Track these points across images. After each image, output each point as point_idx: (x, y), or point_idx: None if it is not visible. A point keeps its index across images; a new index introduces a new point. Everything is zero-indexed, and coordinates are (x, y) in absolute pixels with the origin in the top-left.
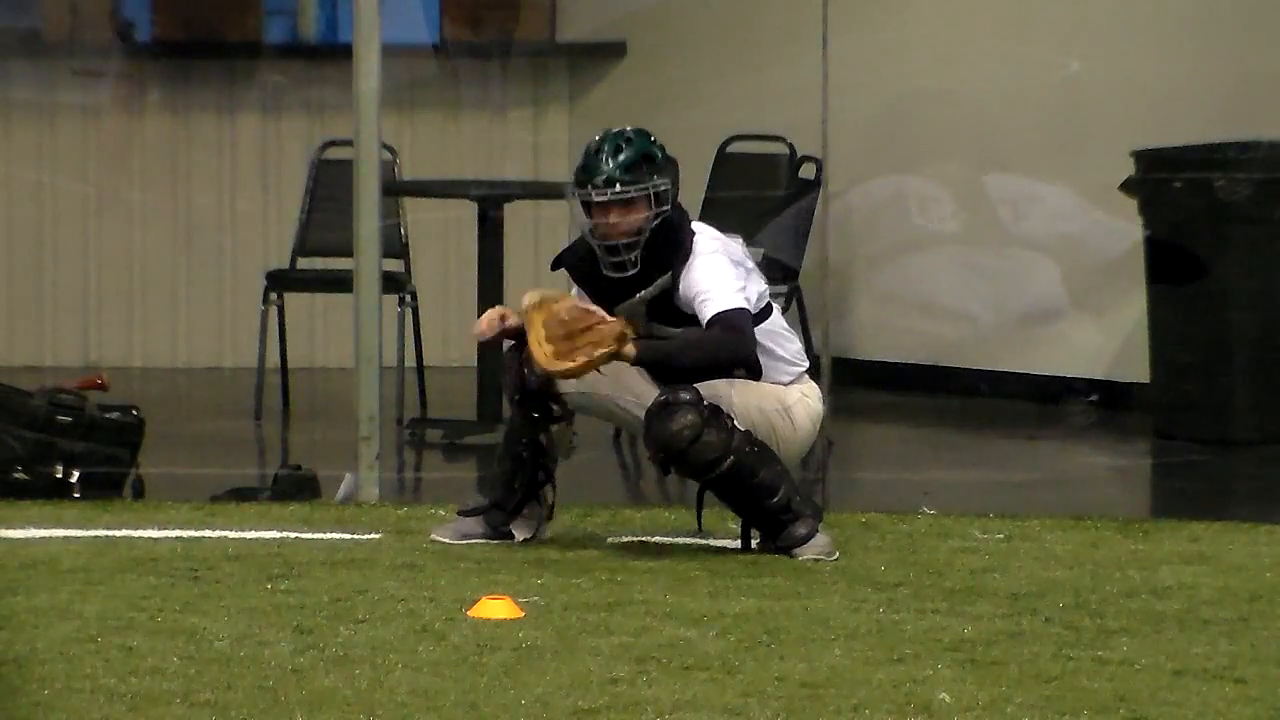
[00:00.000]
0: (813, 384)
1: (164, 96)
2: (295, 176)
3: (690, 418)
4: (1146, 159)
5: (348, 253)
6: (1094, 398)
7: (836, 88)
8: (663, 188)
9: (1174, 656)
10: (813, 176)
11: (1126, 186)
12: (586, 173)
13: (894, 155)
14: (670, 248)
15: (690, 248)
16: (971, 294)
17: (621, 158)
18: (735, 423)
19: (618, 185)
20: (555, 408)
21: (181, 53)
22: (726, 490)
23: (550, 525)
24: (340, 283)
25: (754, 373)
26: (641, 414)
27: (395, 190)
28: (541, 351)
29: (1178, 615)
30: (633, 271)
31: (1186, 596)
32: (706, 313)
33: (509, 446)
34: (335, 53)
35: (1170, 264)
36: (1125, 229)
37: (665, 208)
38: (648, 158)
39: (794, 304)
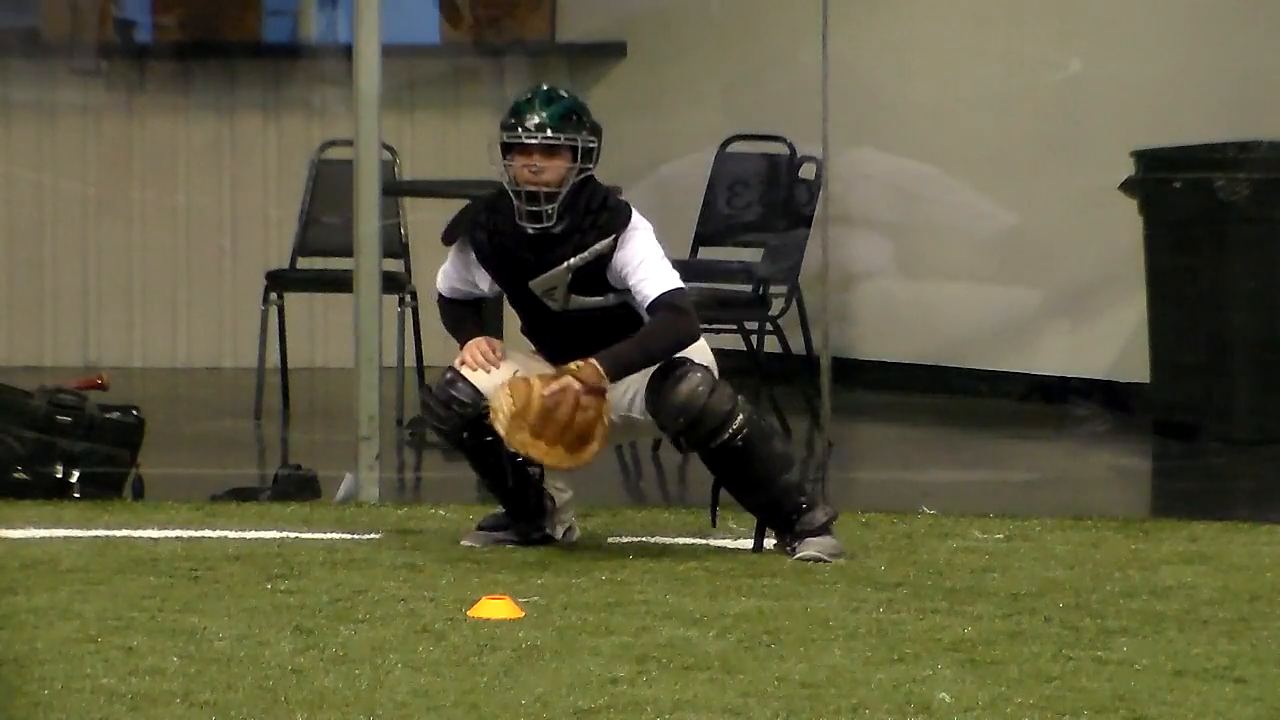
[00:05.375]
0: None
1: (164, 96)
2: (295, 176)
3: (699, 374)
4: (1146, 159)
5: (348, 253)
6: (1098, 399)
7: (836, 88)
8: (590, 144)
9: (1174, 656)
10: (813, 176)
11: (1126, 186)
12: (516, 115)
13: (894, 155)
14: (609, 213)
15: (629, 217)
16: (972, 294)
17: (554, 106)
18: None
19: (548, 130)
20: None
21: (181, 53)
22: (742, 463)
23: (565, 522)
24: (340, 283)
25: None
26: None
27: (395, 190)
28: (544, 453)
29: (1178, 615)
30: (549, 224)
31: (1186, 596)
32: (649, 293)
33: (490, 479)
34: (335, 53)
35: (1170, 263)
36: (1125, 229)
37: (589, 166)
38: (577, 114)
39: (794, 304)
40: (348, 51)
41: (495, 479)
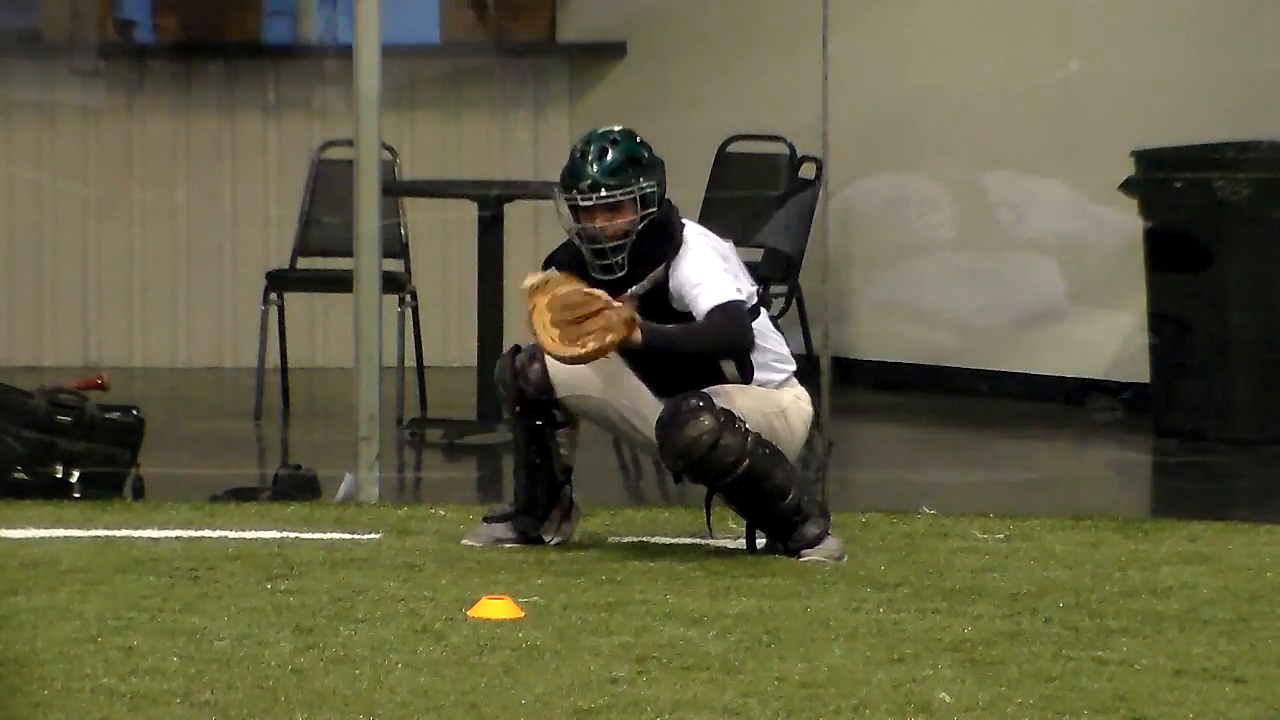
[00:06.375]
0: (800, 387)
1: (164, 96)
2: (295, 176)
3: (707, 422)
4: (1146, 159)
5: (348, 253)
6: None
7: (836, 88)
8: (649, 189)
9: (1174, 656)
10: (813, 176)
11: (1126, 186)
12: (573, 176)
13: (894, 155)
14: (662, 241)
15: (681, 240)
16: (971, 294)
17: (607, 161)
18: (746, 425)
19: (603, 190)
20: (557, 414)
21: (181, 53)
22: (739, 495)
23: (562, 533)
24: (340, 283)
25: (745, 370)
26: (640, 425)
27: (395, 190)
28: (547, 335)
29: (1178, 615)
30: (621, 274)
31: (1186, 596)
32: (703, 305)
33: (521, 457)
34: (335, 53)
35: (1170, 263)
36: (1125, 229)
37: (652, 210)
38: (633, 160)
39: (794, 304)
40: (348, 51)
41: (526, 461)
